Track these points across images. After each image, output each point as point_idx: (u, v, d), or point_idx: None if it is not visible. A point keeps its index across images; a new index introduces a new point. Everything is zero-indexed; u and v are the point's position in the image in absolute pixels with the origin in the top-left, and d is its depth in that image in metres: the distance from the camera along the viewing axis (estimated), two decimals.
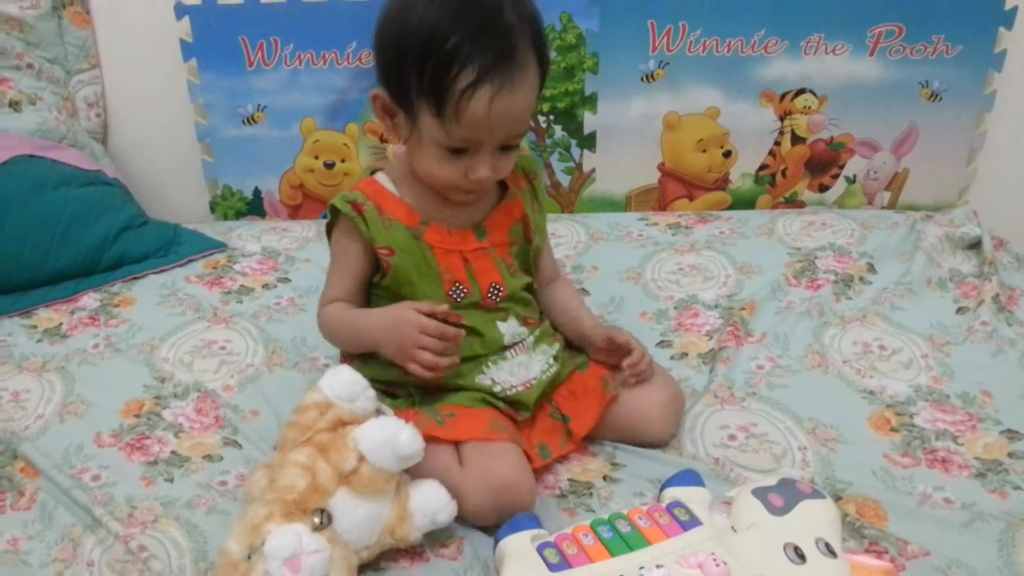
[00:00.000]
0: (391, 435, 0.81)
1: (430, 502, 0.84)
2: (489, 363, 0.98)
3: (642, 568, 0.75)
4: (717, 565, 0.75)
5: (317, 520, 0.79)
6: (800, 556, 0.76)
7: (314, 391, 0.87)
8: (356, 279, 0.98)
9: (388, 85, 0.89)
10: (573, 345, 1.07)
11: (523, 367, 0.99)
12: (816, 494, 0.83)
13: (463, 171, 0.89)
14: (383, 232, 0.94)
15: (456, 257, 0.96)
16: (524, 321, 1.01)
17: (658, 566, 0.76)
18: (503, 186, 1.00)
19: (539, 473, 0.95)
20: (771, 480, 0.84)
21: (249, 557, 0.76)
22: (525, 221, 1.00)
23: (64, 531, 0.91)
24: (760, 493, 0.82)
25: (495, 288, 0.98)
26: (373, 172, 0.99)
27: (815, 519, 0.80)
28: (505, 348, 0.98)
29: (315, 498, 0.80)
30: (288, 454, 0.83)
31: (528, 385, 0.98)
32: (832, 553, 0.77)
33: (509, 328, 0.99)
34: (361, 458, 0.81)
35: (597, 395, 0.99)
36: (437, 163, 0.89)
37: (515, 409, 0.97)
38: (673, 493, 0.86)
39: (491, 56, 0.82)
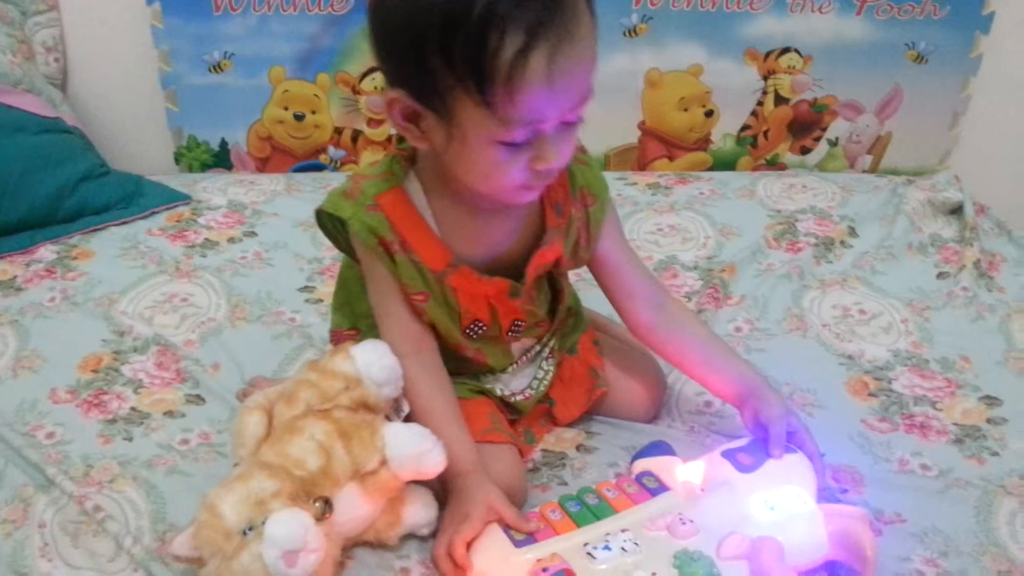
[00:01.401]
0: (423, 451, 0.76)
1: (420, 516, 0.81)
2: (487, 374, 0.92)
3: (608, 534, 0.74)
4: (684, 524, 0.74)
5: (319, 508, 0.73)
6: (770, 507, 0.76)
7: (346, 360, 0.80)
8: (409, 298, 0.83)
9: (406, 83, 0.70)
10: (571, 316, 0.98)
11: (517, 376, 0.93)
12: (786, 448, 0.82)
13: (526, 164, 0.71)
14: (414, 278, 0.81)
15: (481, 300, 0.84)
16: (537, 336, 0.93)
17: (623, 531, 0.75)
18: (541, 214, 0.83)
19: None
20: (741, 441, 0.84)
21: (245, 532, 0.70)
22: (557, 260, 0.86)
23: (15, 491, 0.87)
24: (729, 454, 0.82)
25: (517, 325, 0.88)
26: (395, 157, 0.81)
27: (785, 472, 0.80)
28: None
29: (324, 484, 0.75)
30: (302, 420, 0.78)
31: (527, 396, 0.93)
32: (803, 502, 0.77)
33: (520, 347, 0.92)
34: (383, 461, 0.76)
35: (586, 386, 0.95)
36: (495, 166, 0.70)
37: (509, 410, 0.93)
38: (643, 464, 0.85)
39: (536, 9, 0.64)
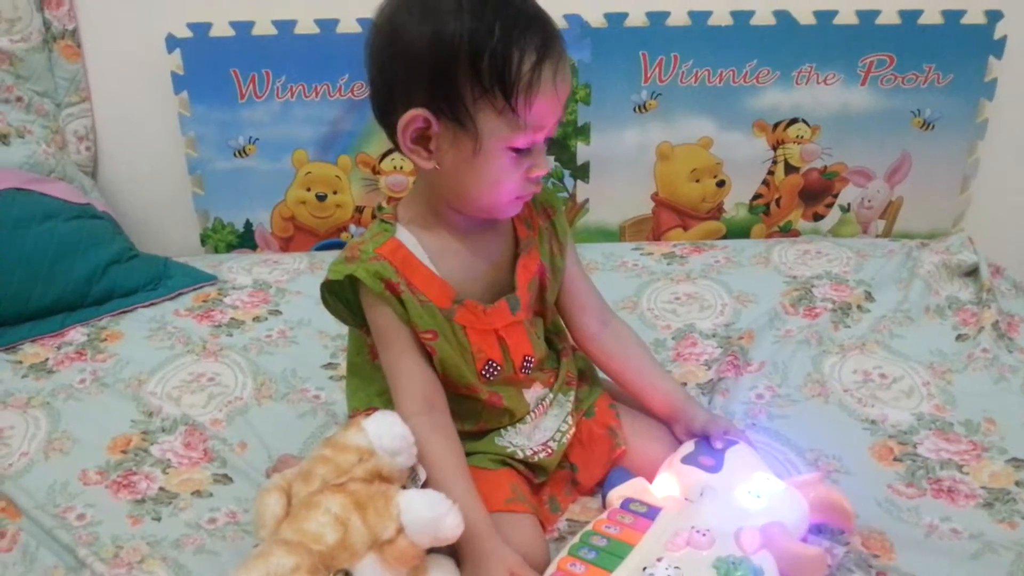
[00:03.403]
0: (439, 516, 0.77)
1: None
2: (508, 428, 0.94)
3: (645, 568, 0.76)
4: (703, 535, 0.78)
5: None
6: (756, 496, 0.83)
7: (358, 433, 0.82)
8: (423, 352, 0.87)
9: (428, 101, 0.80)
10: (583, 383, 1.03)
11: (539, 429, 0.95)
12: (729, 442, 0.91)
13: (524, 172, 0.83)
14: (422, 316, 0.86)
15: (491, 335, 0.90)
16: (546, 382, 0.97)
17: (658, 559, 0.77)
18: (514, 232, 0.94)
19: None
20: (689, 447, 0.92)
21: None
22: (541, 273, 0.95)
23: (46, 573, 0.88)
24: (691, 460, 0.89)
25: (528, 361, 0.93)
26: (383, 219, 0.90)
27: (745, 461, 0.89)
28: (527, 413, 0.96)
29: (343, 557, 0.75)
30: (318, 495, 0.78)
31: (549, 452, 0.94)
32: (775, 482, 0.85)
33: (534, 394, 0.96)
34: (400, 529, 0.76)
35: (605, 446, 0.97)
36: (504, 170, 0.82)
37: (533, 472, 0.94)
38: (618, 493, 0.88)
39: (539, 35, 0.79)
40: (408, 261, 0.86)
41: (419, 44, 0.78)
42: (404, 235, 0.88)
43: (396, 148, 0.84)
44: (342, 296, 0.90)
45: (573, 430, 0.97)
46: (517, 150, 0.81)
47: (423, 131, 0.81)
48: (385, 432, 0.81)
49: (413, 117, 0.80)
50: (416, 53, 0.78)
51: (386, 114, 0.83)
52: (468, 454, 0.91)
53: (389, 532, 0.76)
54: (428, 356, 0.88)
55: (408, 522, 0.77)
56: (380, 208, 0.92)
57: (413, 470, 0.84)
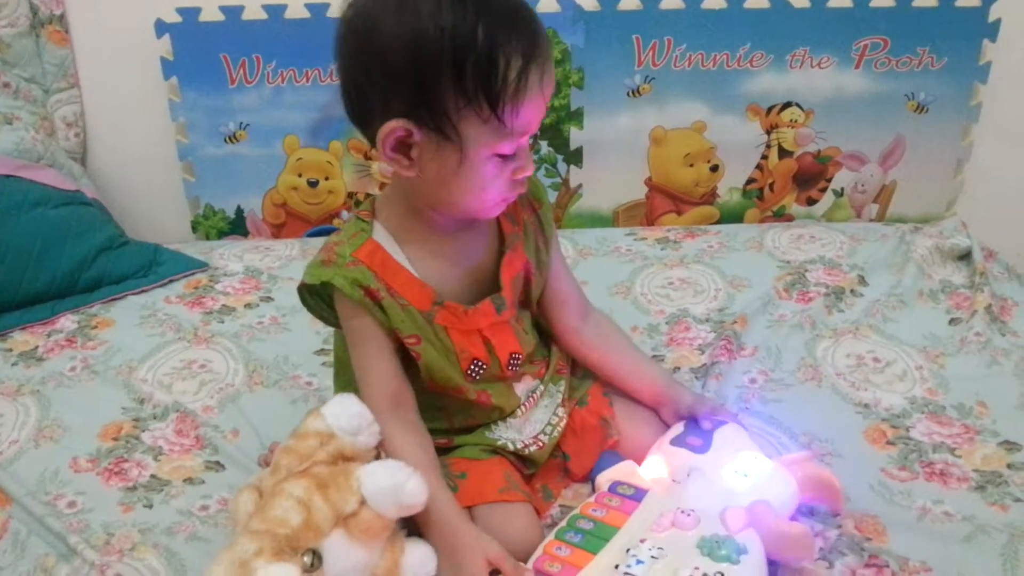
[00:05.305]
0: (399, 482, 0.77)
1: (424, 566, 0.80)
2: (498, 422, 0.94)
3: (629, 550, 0.77)
4: (688, 515, 0.79)
5: (307, 561, 0.74)
6: (743, 475, 0.84)
7: (317, 418, 0.82)
8: (394, 355, 0.86)
9: (408, 110, 0.75)
10: (576, 371, 1.02)
11: (530, 422, 0.95)
12: (718, 422, 0.91)
13: (510, 176, 0.81)
14: (404, 320, 0.84)
15: (474, 335, 0.88)
16: (536, 374, 0.97)
17: (641, 541, 0.77)
18: (499, 227, 0.91)
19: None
20: (678, 428, 0.92)
21: None
22: (527, 268, 0.93)
23: (37, 561, 0.87)
24: (679, 441, 0.90)
25: (515, 358, 0.92)
26: (359, 216, 0.87)
27: (733, 440, 0.89)
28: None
29: (308, 537, 0.75)
30: (282, 483, 0.78)
31: (540, 445, 0.94)
32: (763, 462, 0.86)
33: (524, 387, 0.95)
34: (362, 501, 0.76)
35: (597, 436, 0.96)
36: (489, 179, 0.79)
37: (524, 464, 0.94)
38: (606, 476, 0.89)
39: (524, 36, 0.74)
40: (387, 264, 0.84)
41: (396, 48, 0.73)
42: (382, 235, 0.86)
43: (373, 146, 0.81)
44: (324, 294, 0.87)
45: (565, 420, 0.96)
46: (502, 155, 0.79)
47: (404, 139, 0.77)
48: (342, 413, 0.81)
49: (393, 128, 0.76)
50: (393, 58, 0.74)
51: (363, 121, 0.80)
52: (458, 446, 0.91)
53: (351, 505, 0.76)
54: (400, 357, 0.86)
55: (368, 493, 0.77)
56: (356, 203, 0.91)
57: (378, 450, 0.84)
